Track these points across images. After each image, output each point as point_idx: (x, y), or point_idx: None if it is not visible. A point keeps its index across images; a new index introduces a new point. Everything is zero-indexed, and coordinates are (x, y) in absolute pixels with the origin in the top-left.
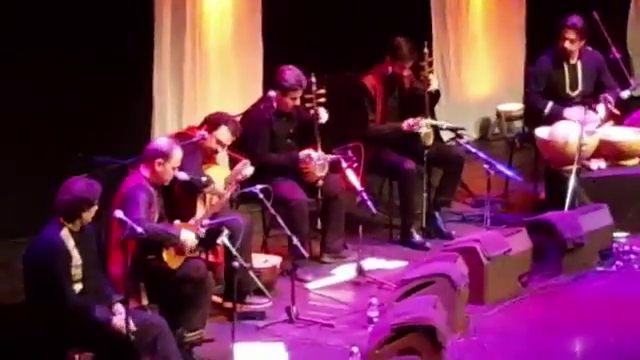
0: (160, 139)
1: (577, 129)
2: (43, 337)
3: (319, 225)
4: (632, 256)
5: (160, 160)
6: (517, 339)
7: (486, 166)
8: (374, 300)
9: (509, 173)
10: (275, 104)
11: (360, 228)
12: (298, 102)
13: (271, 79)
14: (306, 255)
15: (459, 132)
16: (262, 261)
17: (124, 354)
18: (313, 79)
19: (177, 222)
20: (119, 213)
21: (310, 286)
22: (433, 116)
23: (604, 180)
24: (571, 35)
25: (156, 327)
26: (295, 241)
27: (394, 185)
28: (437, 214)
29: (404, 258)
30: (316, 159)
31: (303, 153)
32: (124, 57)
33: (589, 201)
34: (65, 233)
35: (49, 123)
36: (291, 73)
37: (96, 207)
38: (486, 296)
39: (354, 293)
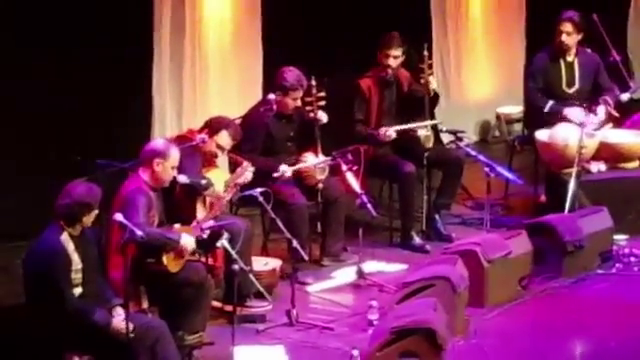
0: (156, 140)
1: (577, 132)
2: (42, 339)
3: (319, 228)
4: (632, 259)
5: (158, 160)
6: (517, 342)
7: (486, 169)
8: (374, 303)
9: (509, 176)
10: (275, 107)
11: (360, 231)
12: (299, 103)
13: (271, 82)
14: (306, 258)
15: (459, 135)
16: (262, 264)
17: (123, 357)
18: (313, 82)
19: (177, 226)
20: (119, 217)
21: (310, 289)
22: (433, 118)
23: (604, 183)
24: (567, 28)
25: (156, 330)
26: (295, 244)
27: (394, 188)
28: (437, 217)
29: (404, 261)
30: (289, 175)
31: (282, 168)
32: (123, 59)
33: (589, 204)
34: (65, 237)
35: (49, 125)
36: (291, 74)
37: (96, 211)
38: (486, 299)
39: (354, 296)
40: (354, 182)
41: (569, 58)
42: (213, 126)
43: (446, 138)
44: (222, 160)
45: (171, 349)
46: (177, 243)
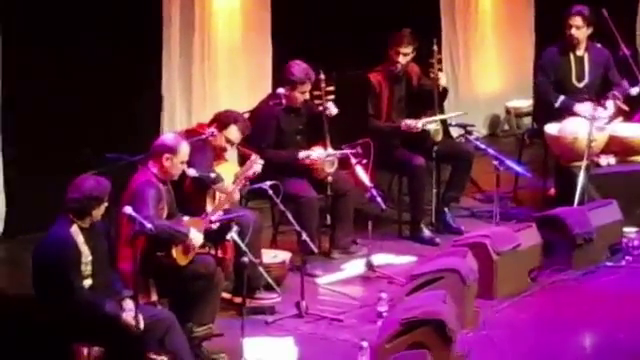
0: (167, 135)
1: (586, 125)
2: (51, 331)
3: (328, 221)
4: None
5: (168, 155)
6: (526, 334)
7: (495, 162)
8: (383, 295)
9: (518, 169)
10: (284, 101)
11: (369, 224)
12: (307, 96)
13: (280, 76)
14: (315, 250)
15: (468, 128)
16: (271, 256)
17: (133, 348)
18: (322, 76)
19: (186, 218)
20: (128, 209)
21: (319, 281)
22: (442, 112)
23: (613, 176)
24: (577, 22)
25: (166, 322)
26: (304, 237)
27: (403, 181)
28: (446, 210)
29: (414, 253)
30: (316, 158)
31: (303, 153)
32: (134, 56)
33: (598, 197)
34: (75, 229)
35: (62, 121)
36: (299, 67)
37: (106, 204)
38: (496, 291)
39: (363, 288)
40: (363, 175)
41: (579, 52)
42: (222, 121)
43: (455, 132)
44: (232, 153)
45: (180, 341)
46: (186, 237)
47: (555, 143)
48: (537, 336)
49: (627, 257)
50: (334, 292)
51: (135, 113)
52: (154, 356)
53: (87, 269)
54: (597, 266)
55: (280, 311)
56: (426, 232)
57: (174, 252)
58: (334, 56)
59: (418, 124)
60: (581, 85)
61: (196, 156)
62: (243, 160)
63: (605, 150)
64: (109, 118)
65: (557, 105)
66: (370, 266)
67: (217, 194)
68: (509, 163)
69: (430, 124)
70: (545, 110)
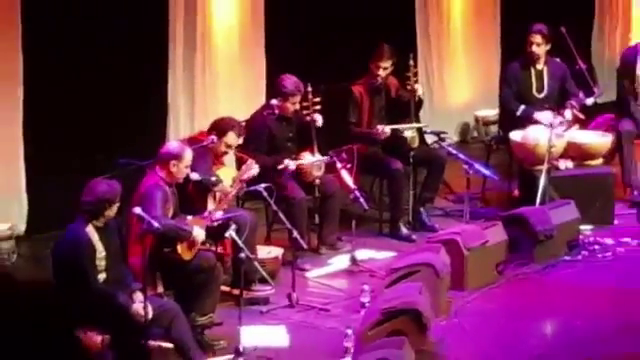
0: (172, 143)
1: (547, 132)
2: (68, 321)
3: (316, 220)
4: (596, 246)
5: (174, 162)
6: (494, 321)
7: (465, 166)
8: (366, 287)
9: (486, 172)
10: (277, 111)
11: (353, 222)
12: (298, 107)
13: (273, 88)
14: (305, 247)
15: (441, 136)
16: (266, 252)
17: (141, 336)
18: (309, 89)
19: (189, 217)
20: (138, 210)
21: (309, 275)
22: (418, 121)
23: (571, 178)
24: (537, 39)
25: (171, 312)
26: (295, 234)
27: (384, 184)
28: (422, 209)
29: (393, 249)
30: (294, 167)
31: (282, 164)
32: (143, 70)
33: (558, 197)
34: (90, 228)
35: (80, 127)
36: (290, 81)
37: (118, 204)
38: (466, 283)
39: (348, 281)
40: (348, 178)
41: (539, 66)
42: (220, 129)
43: (430, 139)
44: (230, 158)
45: (185, 329)
46: (190, 234)
47: (519, 149)
48: (503, 323)
49: (583, 252)
50: (322, 284)
51: (144, 120)
52: (160, 343)
53: (101, 264)
54: (557, 260)
55: (274, 302)
56: (404, 230)
57: (179, 248)
58: (322, 70)
59: (386, 129)
60: (541, 96)
61: (198, 161)
62: (240, 165)
63: (564, 155)
64: (121, 124)
65: (518, 114)
66: (354, 261)
67: (217, 195)
68: (478, 167)
69: (407, 131)
70: (509, 119)
